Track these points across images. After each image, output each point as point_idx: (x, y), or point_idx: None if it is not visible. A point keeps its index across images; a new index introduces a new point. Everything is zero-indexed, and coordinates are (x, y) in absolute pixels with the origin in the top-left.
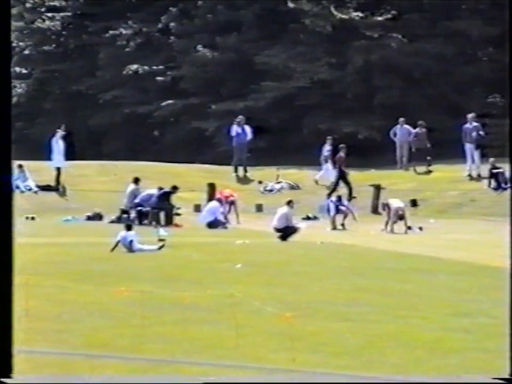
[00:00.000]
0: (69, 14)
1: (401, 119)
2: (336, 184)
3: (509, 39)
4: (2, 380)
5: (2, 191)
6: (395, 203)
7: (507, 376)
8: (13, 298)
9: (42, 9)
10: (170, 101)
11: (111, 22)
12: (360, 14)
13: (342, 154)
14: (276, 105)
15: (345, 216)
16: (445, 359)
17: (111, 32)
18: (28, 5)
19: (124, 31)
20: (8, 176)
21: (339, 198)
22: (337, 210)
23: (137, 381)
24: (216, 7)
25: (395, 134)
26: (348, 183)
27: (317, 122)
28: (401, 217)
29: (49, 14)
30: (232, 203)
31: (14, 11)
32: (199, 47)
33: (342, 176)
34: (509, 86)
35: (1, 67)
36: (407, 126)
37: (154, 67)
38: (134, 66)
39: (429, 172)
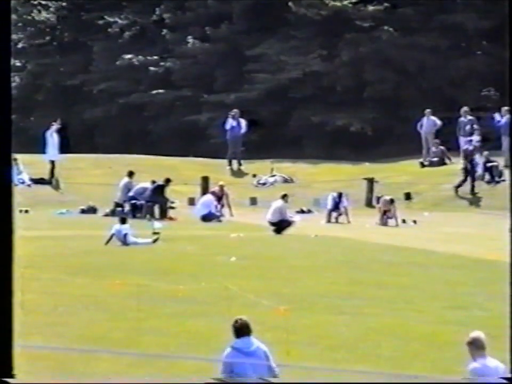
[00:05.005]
0: (63, 4)
1: (428, 110)
2: (467, 176)
3: (508, 34)
4: (4, 379)
5: (2, 184)
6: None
7: (508, 376)
8: (13, 296)
9: (35, 2)
10: (162, 91)
11: (106, 13)
12: (353, 0)
13: (469, 147)
14: (269, 97)
15: (340, 214)
16: (440, 352)
17: (106, 17)
18: None
19: (119, 21)
20: (8, 168)
21: (340, 195)
22: (335, 206)
23: (137, 381)
24: (209, 0)
25: (421, 126)
26: (466, 174)
27: (309, 115)
28: (386, 212)
29: (43, 2)
30: (222, 197)
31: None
32: (193, 39)
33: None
34: (508, 83)
35: (1, 59)
36: (433, 118)
37: (149, 57)
38: (128, 56)
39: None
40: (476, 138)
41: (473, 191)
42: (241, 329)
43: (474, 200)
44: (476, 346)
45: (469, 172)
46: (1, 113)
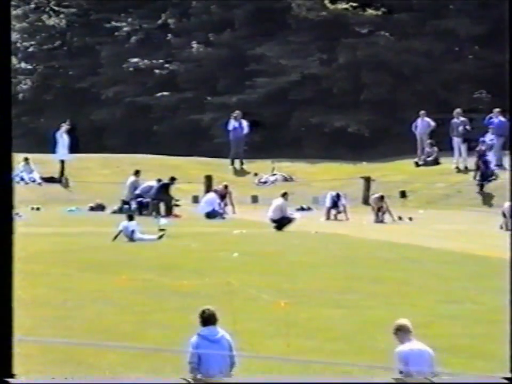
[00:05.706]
0: (73, 10)
1: (422, 112)
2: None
3: (508, 39)
4: (4, 379)
5: (2, 184)
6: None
7: (508, 375)
8: (13, 296)
9: (47, 9)
10: (167, 93)
11: (113, 18)
12: (354, 4)
13: (482, 147)
14: (269, 99)
15: (338, 212)
16: (434, 343)
17: (113, 23)
18: (32, 6)
19: (125, 26)
20: (8, 168)
21: (338, 195)
22: (333, 204)
23: (138, 381)
24: (211, 6)
25: (416, 127)
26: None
27: (308, 116)
28: (379, 209)
29: (56, 8)
30: (225, 195)
31: (19, 11)
32: (197, 44)
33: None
34: (508, 85)
35: (1, 61)
36: (427, 119)
37: (154, 61)
38: (135, 60)
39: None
40: (489, 137)
41: (481, 188)
42: (209, 319)
43: (466, 198)
44: (404, 332)
45: (479, 168)
46: (2, 114)
